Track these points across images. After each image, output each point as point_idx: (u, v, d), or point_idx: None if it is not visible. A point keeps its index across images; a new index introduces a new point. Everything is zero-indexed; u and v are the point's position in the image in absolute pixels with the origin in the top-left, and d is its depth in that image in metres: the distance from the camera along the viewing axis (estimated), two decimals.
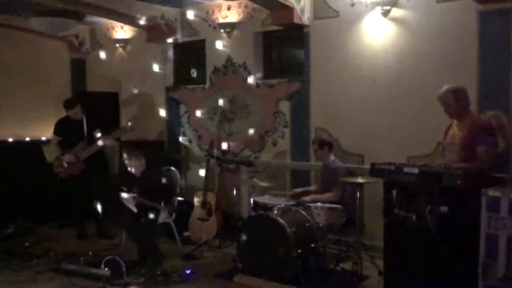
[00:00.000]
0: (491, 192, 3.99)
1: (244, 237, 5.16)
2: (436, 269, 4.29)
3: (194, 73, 7.75)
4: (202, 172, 7.17)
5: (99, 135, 6.75)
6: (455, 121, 4.67)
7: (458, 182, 4.21)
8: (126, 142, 7.50)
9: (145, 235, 5.68)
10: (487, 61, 5.21)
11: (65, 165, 6.72)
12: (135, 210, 5.66)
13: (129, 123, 7.06)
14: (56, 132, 6.96)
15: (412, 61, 5.70)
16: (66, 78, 9.10)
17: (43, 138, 8.04)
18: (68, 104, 6.85)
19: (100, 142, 6.70)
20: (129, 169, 6.01)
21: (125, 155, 6.04)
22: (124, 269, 5.04)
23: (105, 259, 5.16)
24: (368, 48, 6.00)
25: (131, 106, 8.55)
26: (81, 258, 5.68)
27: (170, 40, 7.85)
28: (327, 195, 5.66)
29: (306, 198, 5.68)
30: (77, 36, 9.01)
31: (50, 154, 7.51)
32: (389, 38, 5.85)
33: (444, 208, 4.26)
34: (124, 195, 5.71)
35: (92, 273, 5.19)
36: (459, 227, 4.29)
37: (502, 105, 5.07)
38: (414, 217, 4.42)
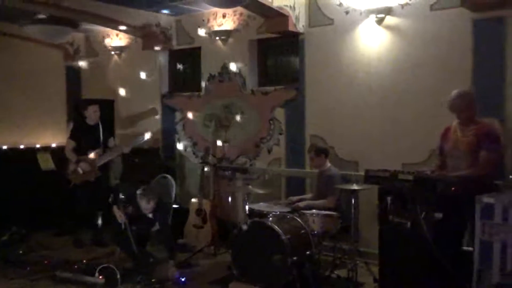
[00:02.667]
0: (485, 199, 4.00)
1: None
2: (431, 275, 4.30)
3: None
4: (197, 179, 7.15)
5: (115, 142, 6.83)
6: (455, 126, 4.64)
7: (453, 189, 4.24)
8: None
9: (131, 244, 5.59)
10: (482, 69, 5.25)
11: (80, 172, 6.68)
12: (123, 226, 5.59)
13: (150, 135, 7.02)
14: (72, 136, 6.87)
15: (406, 69, 5.73)
16: (61, 85, 9.09)
17: (38, 146, 8.02)
18: (86, 102, 6.87)
19: (123, 149, 6.74)
20: (141, 209, 5.68)
21: (140, 196, 5.61)
22: (118, 277, 5.03)
23: (100, 267, 5.14)
24: (363, 55, 6.03)
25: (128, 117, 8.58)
26: (76, 266, 5.65)
27: (165, 48, 7.88)
28: (321, 202, 5.67)
29: (300, 204, 5.69)
30: (72, 44, 9.02)
31: (44, 161, 7.51)
32: (383, 46, 5.88)
33: (438, 215, 4.28)
34: (116, 210, 5.64)
35: (87, 281, 5.17)
36: (454, 234, 4.31)
37: (496, 112, 5.09)
38: (408, 223, 4.43)
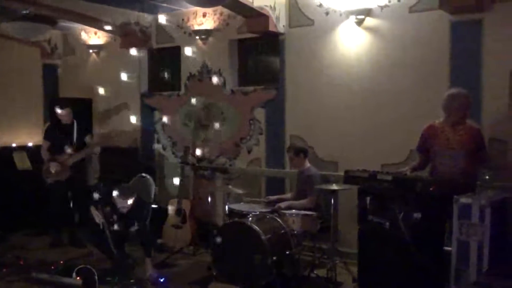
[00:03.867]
0: (463, 199, 4.06)
1: (218, 240, 5.14)
2: (409, 275, 4.34)
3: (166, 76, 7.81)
4: (176, 179, 7.11)
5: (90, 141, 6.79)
6: (442, 125, 4.68)
7: (431, 189, 4.28)
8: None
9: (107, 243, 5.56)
10: (459, 70, 5.31)
11: (53, 171, 6.64)
12: (101, 226, 5.55)
13: (88, 138, 6.97)
14: (46, 137, 6.90)
15: (386, 70, 5.78)
16: (38, 84, 8.95)
17: (14, 145, 7.89)
18: (59, 104, 6.79)
19: (95, 149, 6.74)
20: (118, 207, 5.60)
21: (116, 194, 5.49)
22: (96, 278, 4.97)
23: (77, 268, 5.08)
24: (343, 56, 6.05)
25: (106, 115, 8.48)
26: (53, 267, 5.58)
27: (144, 47, 7.82)
28: (302, 202, 5.68)
29: (281, 205, 5.69)
30: (49, 42, 8.89)
31: (20, 161, 7.40)
32: (363, 47, 5.91)
33: (417, 215, 4.32)
34: (94, 211, 5.60)
35: (64, 283, 5.09)
36: (433, 234, 4.35)
37: (473, 113, 5.13)
38: (387, 223, 4.47)
